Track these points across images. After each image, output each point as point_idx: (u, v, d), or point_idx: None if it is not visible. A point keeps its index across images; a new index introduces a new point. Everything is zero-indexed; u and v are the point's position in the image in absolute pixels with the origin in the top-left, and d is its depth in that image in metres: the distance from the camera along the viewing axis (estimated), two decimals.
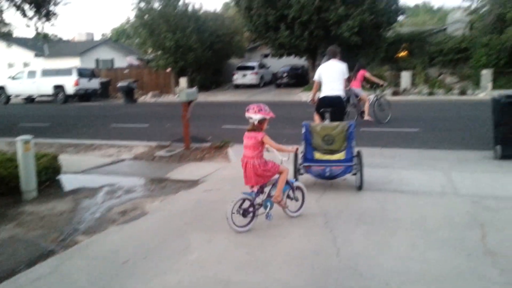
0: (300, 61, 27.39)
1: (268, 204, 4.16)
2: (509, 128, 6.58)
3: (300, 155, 5.38)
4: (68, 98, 24.35)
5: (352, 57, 24.05)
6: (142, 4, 25.35)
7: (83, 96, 24.50)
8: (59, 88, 24.16)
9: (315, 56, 24.03)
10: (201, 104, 17.34)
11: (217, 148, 8.32)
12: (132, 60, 36.40)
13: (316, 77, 6.74)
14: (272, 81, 29.18)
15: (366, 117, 11.16)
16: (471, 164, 6.55)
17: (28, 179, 5.45)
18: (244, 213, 4.03)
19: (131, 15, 28.26)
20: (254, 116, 3.98)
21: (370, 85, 11.79)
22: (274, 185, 4.23)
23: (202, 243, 3.88)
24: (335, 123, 5.71)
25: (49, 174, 6.13)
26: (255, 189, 4.12)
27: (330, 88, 6.47)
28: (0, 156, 5.85)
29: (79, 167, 7.24)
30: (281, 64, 28.49)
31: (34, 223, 4.64)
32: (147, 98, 26.00)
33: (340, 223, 4.21)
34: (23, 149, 5.36)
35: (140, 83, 26.95)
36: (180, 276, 3.26)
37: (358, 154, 5.35)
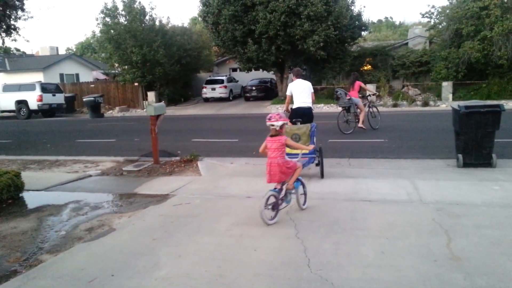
0: (268, 75, 27.70)
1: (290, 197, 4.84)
2: (469, 137, 6.86)
3: None
4: (31, 114, 23.62)
5: (319, 70, 24.68)
6: (108, 19, 25.04)
7: (47, 111, 23.83)
8: (22, 104, 23.42)
9: (283, 70, 24.39)
10: (170, 118, 17.21)
11: (187, 162, 8.25)
12: (98, 74, 35.79)
13: (288, 92, 7.99)
14: (241, 94, 29.33)
15: (360, 125, 11.64)
16: (435, 172, 6.77)
17: None
18: (273, 208, 4.59)
19: (97, 29, 27.86)
20: (276, 123, 4.58)
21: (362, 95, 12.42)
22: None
23: (171, 258, 3.81)
24: (301, 125, 6.91)
25: (11, 192, 5.90)
26: (278, 186, 4.68)
27: (301, 101, 7.71)
28: None
29: (43, 184, 7.00)
30: (249, 77, 28.76)
31: None
32: (114, 112, 25.57)
33: (311, 234, 4.24)
34: None
35: (106, 98, 26.51)
36: None
37: (320, 149, 6.56)
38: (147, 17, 25.84)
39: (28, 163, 9.02)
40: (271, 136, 4.66)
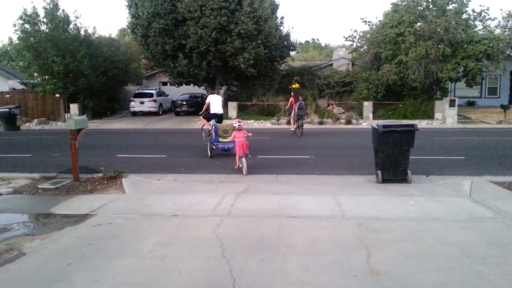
0: (199, 90, 27.52)
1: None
2: (387, 155, 7.28)
3: (212, 141, 10.46)
4: None
5: (250, 86, 25.04)
6: (27, 26, 23.44)
7: None
8: None
9: (214, 86, 24.34)
10: (94, 132, 16.40)
11: (110, 179, 7.86)
12: (15, 84, 33.25)
13: (207, 101, 12.15)
14: (171, 109, 28.75)
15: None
16: (356, 188, 7.08)
17: None
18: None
19: (14, 36, 26.02)
20: (241, 124, 8.95)
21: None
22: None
23: (87, 285, 3.56)
24: (228, 123, 11.31)
25: None
26: (243, 155, 8.51)
27: (217, 109, 11.77)
28: None
29: None
30: (180, 92, 28.34)
31: None
32: (32, 125, 23.81)
33: (237, 252, 4.20)
34: None
35: (24, 109, 24.68)
36: None
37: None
38: (71, 26, 24.50)
39: None
40: (237, 130, 8.72)
